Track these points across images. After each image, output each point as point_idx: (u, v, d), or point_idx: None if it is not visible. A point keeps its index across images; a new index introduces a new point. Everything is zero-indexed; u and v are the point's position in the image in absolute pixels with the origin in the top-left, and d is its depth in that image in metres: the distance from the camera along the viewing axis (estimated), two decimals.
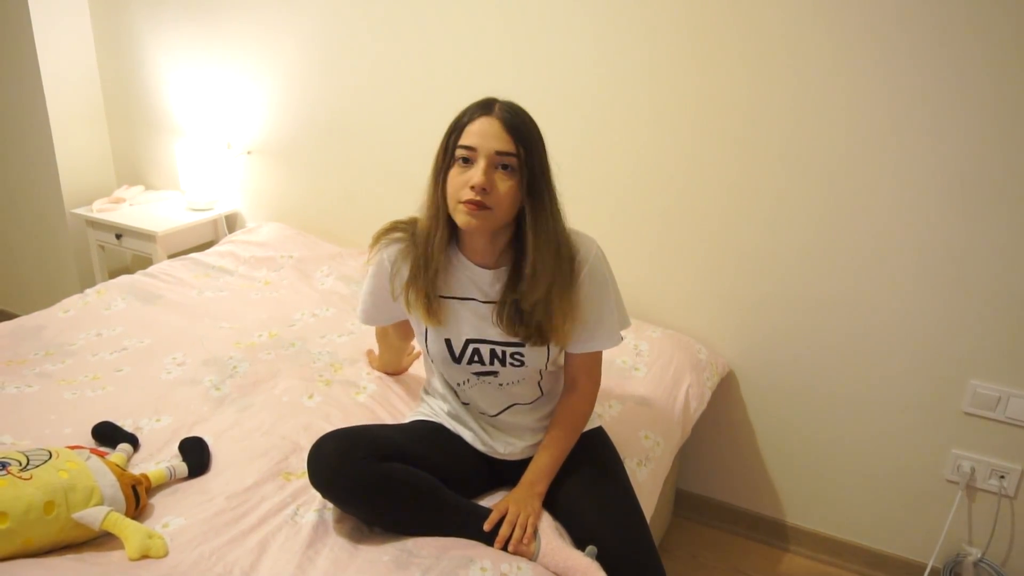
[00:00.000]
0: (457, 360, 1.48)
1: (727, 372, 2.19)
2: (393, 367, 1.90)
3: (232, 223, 2.93)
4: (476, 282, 1.46)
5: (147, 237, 2.69)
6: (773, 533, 2.29)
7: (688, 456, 2.35)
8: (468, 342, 1.46)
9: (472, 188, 1.32)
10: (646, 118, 2.10)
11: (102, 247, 2.90)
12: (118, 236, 2.77)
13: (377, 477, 1.36)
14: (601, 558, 1.40)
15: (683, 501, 2.39)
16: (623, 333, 1.56)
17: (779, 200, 2.00)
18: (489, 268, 1.45)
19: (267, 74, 2.66)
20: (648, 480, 1.71)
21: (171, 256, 2.68)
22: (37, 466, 1.29)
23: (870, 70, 1.82)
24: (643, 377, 1.97)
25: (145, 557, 1.27)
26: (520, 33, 2.19)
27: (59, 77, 2.90)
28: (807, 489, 2.22)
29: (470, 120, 1.35)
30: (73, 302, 2.22)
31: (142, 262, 2.78)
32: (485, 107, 1.35)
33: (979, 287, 1.86)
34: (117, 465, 1.40)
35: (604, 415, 1.79)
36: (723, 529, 2.35)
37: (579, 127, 2.17)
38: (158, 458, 1.55)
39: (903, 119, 1.82)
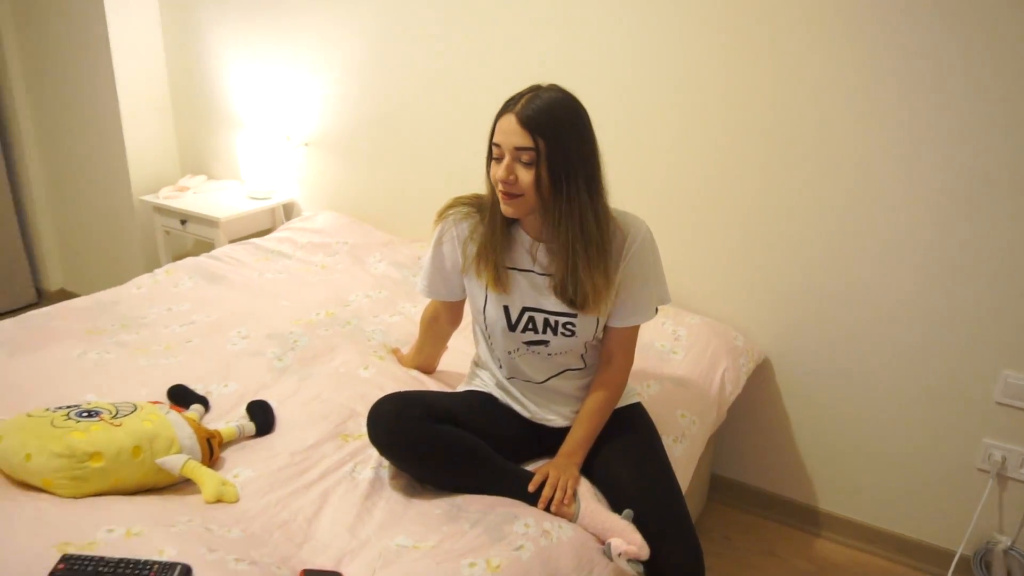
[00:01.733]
0: (512, 328, 1.58)
1: (763, 359, 2.26)
2: (427, 361, 1.93)
3: (289, 211, 3.08)
4: (533, 254, 1.56)
5: (210, 223, 2.84)
6: (806, 519, 2.35)
7: (723, 442, 2.42)
8: (524, 310, 1.56)
9: (498, 181, 1.44)
10: (683, 115, 2.18)
11: (167, 232, 3.07)
12: (183, 222, 2.94)
13: (430, 437, 1.47)
14: (637, 522, 1.49)
15: (718, 485, 2.46)
16: (663, 309, 1.65)
17: (813, 192, 2.07)
18: (541, 241, 1.55)
19: (326, 69, 2.79)
20: (683, 456, 1.80)
21: (232, 241, 2.83)
22: (125, 416, 1.42)
23: (896, 65, 1.88)
24: (680, 360, 2.05)
25: (219, 501, 1.39)
26: (563, 32, 2.29)
27: (130, 73, 3.08)
28: (840, 476, 2.27)
29: (499, 117, 1.47)
30: (144, 280, 2.37)
31: (203, 247, 2.93)
32: (512, 102, 1.45)
33: (1012, 279, 1.90)
34: (193, 420, 1.53)
35: (642, 394, 1.87)
36: (757, 514, 2.42)
37: (619, 122, 2.26)
38: (227, 419, 1.68)
39: (936, 111, 1.88)
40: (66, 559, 1.09)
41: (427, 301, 1.84)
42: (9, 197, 3.44)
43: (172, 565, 1.11)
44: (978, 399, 2.02)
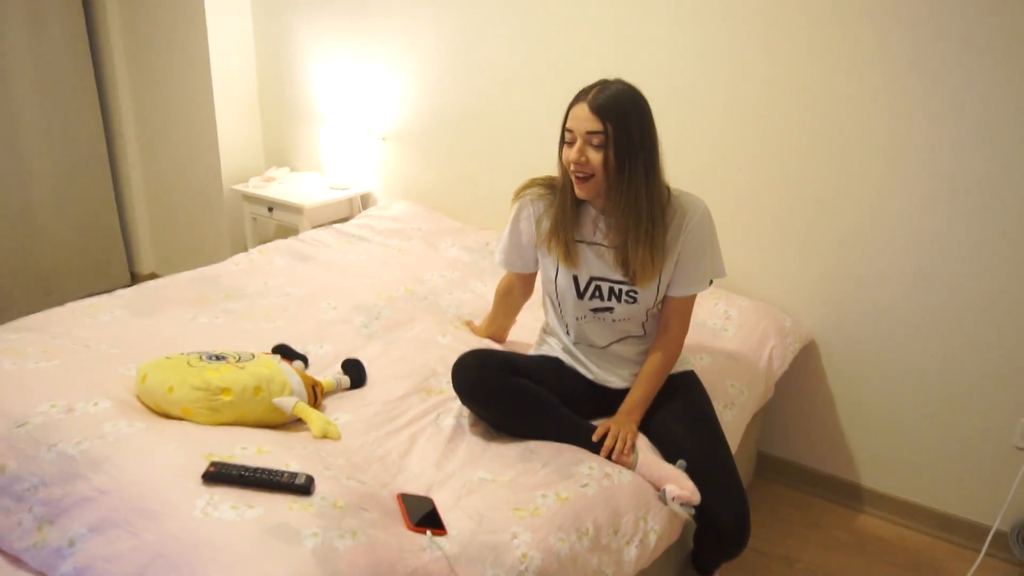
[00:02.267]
0: (581, 295, 1.77)
1: (809, 341, 2.41)
2: (499, 332, 2.13)
3: (366, 202, 3.32)
4: (601, 229, 1.75)
5: (296, 210, 3.09)
6: (849, 495, 2.48)
7: (771, 421, 2.57)
8: (592, 279, 1.76)
9: (571, 163, 1.64)
10: (737, 113, 2.34)
11: (254, 219, 3.34)
12: (270, 209, 3.20)
13: (507, 388, 1.67)
14: (689, 473, 1.66)
15: (765, 463, 2.60)
16: (717, 292, 1.82)
17: (862, 183, 2.21)
18: (605, 216, 1.74)
19: (405, 69, 3.03)
20: (732, 421, 1.96)
21: (314, 227, 3.07)
22: (247, 362, 1.65)
23: (939, 59, 2.02)
24: (731, 337, 2.21)
25: (325, 437, 1.60)
26: (626, 33, 2.47)
27: (224, 73, 3.36)
28: (882, 454, 2.40)
29: (572, 106, 1.66)
30: (240, 259, 2.62)
31: (284, 234, 3.18)
32: (584, 93, 1.65)
33: None
34: (299, 370, 1.75)
35: (696, 364, 2.04)
36: (801, 490, 2.56)
37: (678, 115, 2.43)
38: (324, 374, 1.90)
39: (984, 106, 2.01)
40: (215, 464, 1.31)
41: (501, 276, 2.04)
42: (110, 188, 3.75)
43: (299, 474, 1.33)
44: (1016, 379, 2.14)
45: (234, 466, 1.31)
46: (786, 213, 2.35)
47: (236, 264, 2.57)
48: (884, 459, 2.40)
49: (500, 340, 2.15)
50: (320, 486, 1.34)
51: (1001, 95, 1.98)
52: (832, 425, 2.46)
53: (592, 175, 1.64)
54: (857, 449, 2.44)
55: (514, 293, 2.01)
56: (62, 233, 3.61)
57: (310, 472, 1.36)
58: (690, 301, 1.82)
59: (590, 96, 1.62)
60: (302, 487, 1.31)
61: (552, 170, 1.82)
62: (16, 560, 1.31)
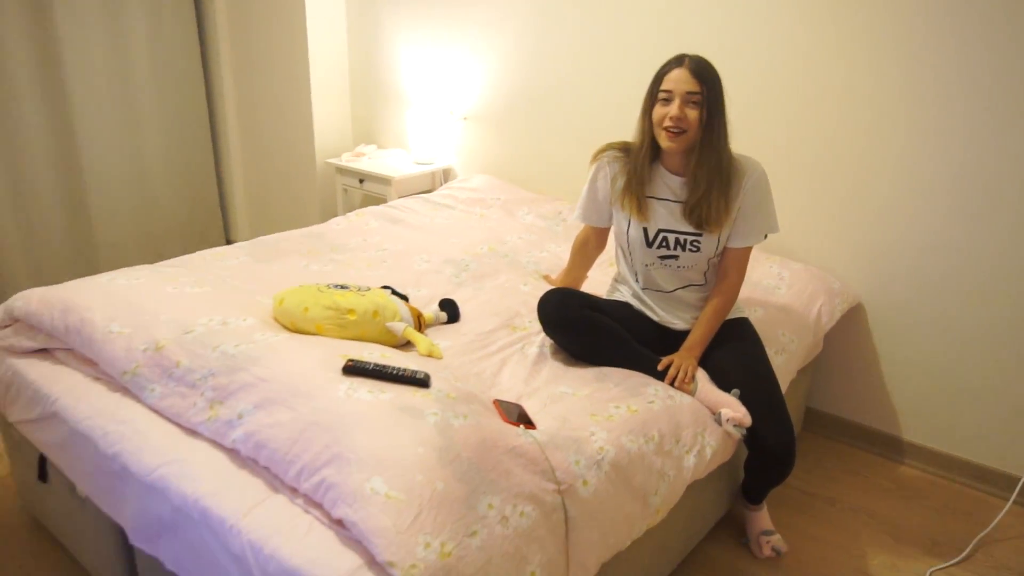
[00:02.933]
0: (649, 244, 2.03)
1: (856, 303, 2.62)
2: (573, 284, 2.35)
3: (447, 175, 3.62)
4: (670, 186, 2.00)
5: (384, 181, 3.41)
6: (890, 447, 2.68)
7: (818, 378, 2.78)
8: (660, 231, 2.01)
9: (671, 119, 1.87)
10: (802, 83, 2.56)
11: (345, 190, 3.66)
12: (361, 180, 3.52)
13: (586, 321, 1.94)
14: (741, 400, 1.91)
15: (811, 417, 2.82)
16: (771, 257, 2.05)
17: (910, 156, 2.41)
18: (681, 176, 1.99)
19: (486, 53, 3.31)
20: (783, 366, 2.19)
21: (400, 197, 3.38)
22: (366, 291, 1.95)
23: (988, 44, 2.21)
24: (784, 294, 2.44)
25: (430, 356, 1.89)
26: (693, 16, 2.71)
27: (320, 56, 3.69)
28: (922, 409, 2.60)
29: (667, 71, 1.91)
30: (340, 220, 2.94)
31: (373, 203, 3.49)
32: (678, 61, 1.90)
33: None
34: (405, 303, 2.05)
35: (750, 315, 2.27)
36: (845, 442, 2.77)
37: (746, 91, 2.66)
38: (424, 310, 2.19)
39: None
40: (352, 360, 1.61)
41: (572, 240, 2.31)
42: (212, 164, 4.13)
43: (419, 371, 1.62)
44: None
45: (367, 363, 1.61)
46: (837, 182, 2.57)
47: (337, 224, 2.89)
48: (924, 414, 2.60)
49: (580, 281, 2.40)
50: (435, 383, 1.63)
51: None
52: (876, 382, 2.67)
53: (685, 130, 1.89)
54: (899, 404, 2.64)
55: (589, 246, 2.27)
56: (170, 203, 4.00)
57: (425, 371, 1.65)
58: (746, 252, 2.06)
59: (686, 62, 1.88)
60: (422, 381, 1.60)
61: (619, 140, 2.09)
62: (192, 432, 1.62)
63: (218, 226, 4.29)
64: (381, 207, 3.09)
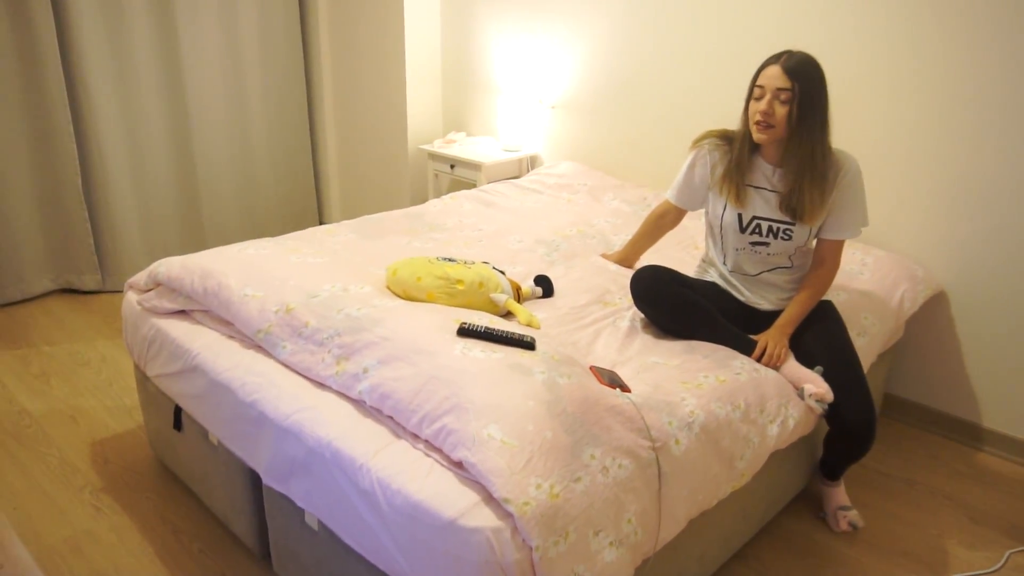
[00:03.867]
0: (743, 230, 2.13)
1: (939, 290, 2.66)
2: (634, 253, 2.51)
3: (533, 162, 3.77)
4: (767, 176, 2.11)
5: (475, 167, 3.58)
6: (969, 434, 2.72)
7: (899, 365, 2.83)
8: (754, 218, 2.11)
9: (760, 113, 1.98)
10: (894, 84, 2.62)
11: (436, 175, 3.85)
12: (452, 166, 3.69)
13: (677, 296, 2.06)
14: (824, 377, 2.01)
15: (890, 403, 2.87)
16: (856, 244, 2.13)
17: (1000, 146, 2.45)
18: (778, 167, 2.09)
19: (574, 44, 3.44)
20: (865, 347, 2.27)
21: (490, 183, 3.54)
22: (471, 264, 2.11)
23: None
24: (867, 279, 2.51)
25: (529, 325, 2.04)
26: (783, 10, 2.78)
27: (415, 46, 3.88)
28: (1003, 396, 2.63)
29: (764, 67, 2.00)
30: (436, 203, 3.12)
31: (461, 189, 3.66)
32: (776, 57, 1.99)
33: None
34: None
35: (834, 299, 2.36)
36: (925, 429, 2.82)
37: (841, 88, 2.72)
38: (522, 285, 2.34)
39: None
40: (465, 323, 1.77)
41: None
42: (309, 148, 4.37)
43: (525, 335, 1.77)
44: None
45: (478, 326, 1.77)
46: (927, 174, 2.61)
47: (434, 206, 3.07)
48: (1004, 401, 2.63)
49: (630, 264, 2.53)
50: (539, 347, 1.78)
51: None
52: (957, 370, 2.71)
53: (773, 125, 1.98)
54: (979, 392, 2.68)
55: (666, 220, 2.41)
56: (270, 186, 4.26)
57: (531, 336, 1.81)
58: (841, 244, 2.14)
59: (782, 59, 1.97)
60: (529, 344, 1.75)
61: (699, 132, 2.22)
62: (320, 385, 1.81)
63: (313, 208, 4.53)
64: (474, 191, 3.25)
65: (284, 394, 1.78)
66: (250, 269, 2.12)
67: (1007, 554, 2.21)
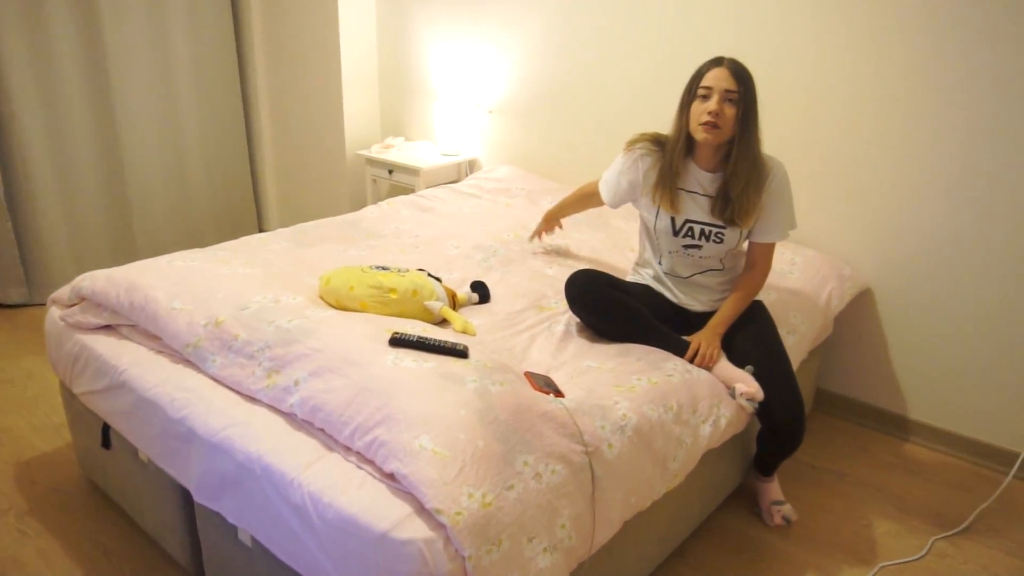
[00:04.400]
0: (676, 234, 2.16)
1: (866, 288, 2.74)
2: (560, 213, 2.64)
3: (472, 167, 3.77)
4: (700, 181, 2.14)
5: (413, 172, 3.56)
6: (896, 426, 2.81)
7: (829, 360, 2.91)
8: (687, 221, 2.15)
9: (709, 114, 2.01)
10: (813, 82, 2.69)
11: (374, 180, 3.82)
12: (390, 171, 3.67)
13: (611, 300, 2.09)
14: (754, 376, 2.05)
15: (822, 397, 2.95)
16: (785, 243, 2.18)
17: (918, 145, 2.53)
18: (710, 172, 2.13)
19: (512, 48, 3.45)
20: (794, 345, 2.33)
21: (428, 188, 3.53)
22: (404, 272, 2.10)
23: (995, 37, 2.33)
24: (796, 279, 2.57)
25: (464, 332, 2.04)
26: (708, 17, 2.84)
27: (351, 51, 3.84)
28: (928, 389, 2.72)
29: (707, 70, 2.03)
30: (373, 209, 3.10)
31: (400, 194, 3.64)
32: (717, 61, 2.03)
33: None
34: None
35: (764, 298, 2.41)
36: (854, 422, 2.90)
37: (763, 84, 2.78)
38: (457, 291, 2.34)
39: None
40: (397, 333, 1.76)
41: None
42: (246, 155, 4.30)
43: (458, 343, 1.77)
44: None
45: (411, 335, 1.77)
46: (847, 173, 2.69)
47: (370, 213, 3.05)
48: (929, 394, 2.73)
49: (555, 219, 2.68)
50: (472, 355, 1.78)
51: None
52: (884, 364, 2.80)
53: (720, 127, 2.01)
54: (905, 385, 2.77)
55: (593, 200, 2.46)
56: (206, 194, 4.17)
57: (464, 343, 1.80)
58: (772, 246, 2.20)
59: (725, 62, 2.02)
60: (461, 352, 1.75)
61: (633, 133, 2.25)
62: (251, 398, 1.78)
63: (251, 216, 4.46)
64: (411, 196, 3.24)
65: (214, 409, 1.75)
66: (178, 281, 2.07)
67: (931, 541, 2.29)
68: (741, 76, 2.00)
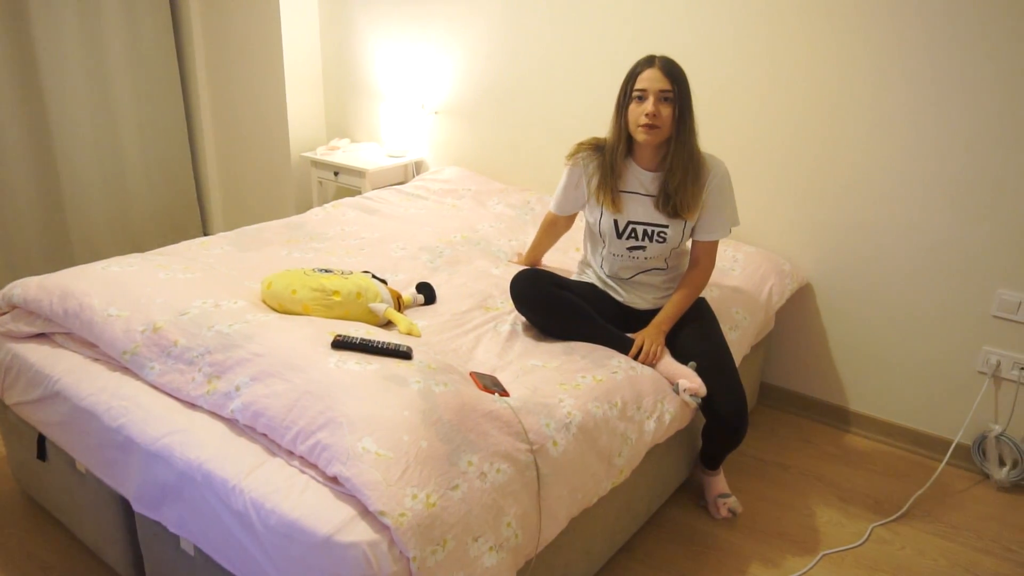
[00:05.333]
0: (620, 236, 2.19)
1: (805, 283, 2.81)
2: (538, 254, 2.58)
3: (419, 168, 3.75)
4: (641, 181, 2.16)
5: (359, 174, 3.54)
6: (837, 417, 2.89)
7: (772, 355, 2.97)
8: (630, 223, 2.17)
9: (647, 116, 2.03)
10: (761, 87, 2.74)
11: (320, 183, 3.78)
12: (336, 173, 3.64)
13: (555, 298, 2.10)
14: (698, 372, 2.08)
15: (765, 391, 3.01)
16: (726, 240, 2.21)
17: (848, 144, 2.60)
18: (651, 171, 2.15)
19: (456, 49, 3.45)
20: (737, 340, 2.37)
21: (374, 189, 3.50)
22: (348, 274, 2.09)
23: (918, 35, 2.41)
24: (737, 275, 2.62)
25: (409, 334, 2.03)
26: (652, 17, 2.88)
27: (293, 51, 3.79)
28: (867, 381, 2.80)
29: (640, 71, 2.06)
30: (318, 211, 3.07)
31: (347, 195, 3.62)
32: (649, 61, 2.05)
33: (1005, 213, 2.41)
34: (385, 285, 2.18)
35: (707, 296, 2.45)
36: (797, 414, 2.97)
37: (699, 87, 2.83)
38: (403, 293, 2.33)
39: (945, 75, 2.40)
40: (340, 335, 1.75)
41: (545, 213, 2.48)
42: (188, 157, 4.21)
43: (402, 344, 1.77)
44: (978, 314, 2.53)
45: (353, 338, 1.76)
46: (787, 170, 2.75)
47: (315, 215, 3.02)
48: (868, 386, 2.81)
49: (537, 262, 2.61)
50: (416, 356, 1.78)
51: (980, 64, 2.37)
52: (824, 357, 2.87)
53: (659, 127, 2.04)
54: (845, 377, 2.85)
55: (558, 227, 2.47)
56: (147, 198, 4.07)
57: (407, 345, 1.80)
58: (715, 244, 2.23)
59: (657, 63, 2.04)
60: (405, 353, 1.74)
61: (580, 135, 2.27)
62: (191, 405, 1.75)
63: (195, 220, 4.37)
64: (357, 198, 3.22)
65: (152, 417, 1.72)
66: (114, 287, 2.03)
67: (870, 527, 2.36)
68: (674, 75, 2.02)
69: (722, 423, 2.13)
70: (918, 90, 2.45)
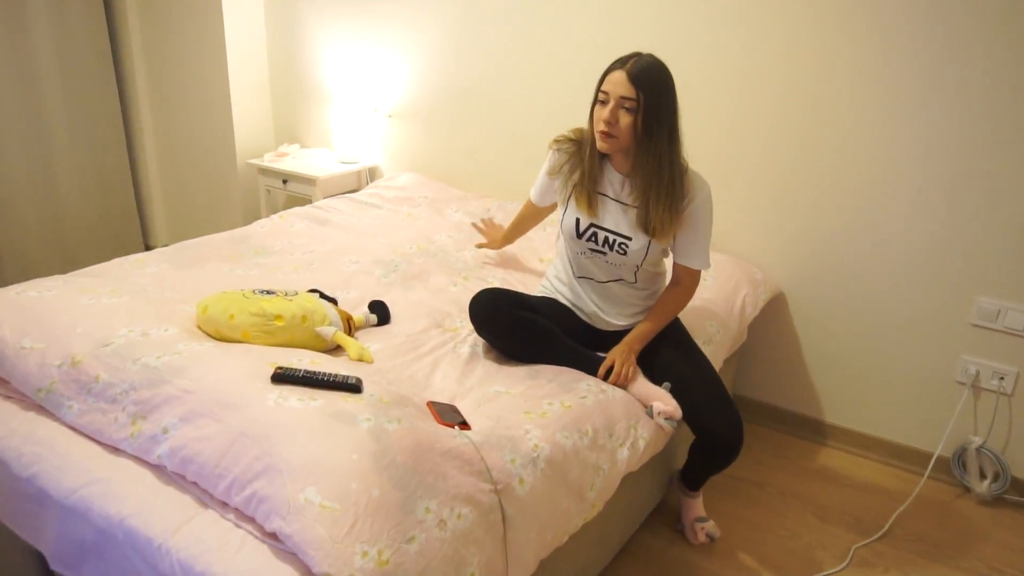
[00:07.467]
0: (579, 236, 2.03)
1: (778, 292, 2.70)
2: (514, 234, 2.55)
3: (373, 174, 3.57)
4: (612, 184, 2.01)
5: (309, 181, 3.35)
6: (813, 430, 2.78)
7: (744, 366, 2.86)
8: (592, 225, 2.01)
9: (604, 121, 1.86)
10: (734, 92, 2.62)
11: (268, 191, 3.58)
12: (284, 181, 3.44)
13: (517, 320, 1.94)
14: (681, 394, 1.93)
15: (740, 404, 2.90)
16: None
17: (830, 150, 2.50)
18: (622, 174, 1.99)
19: (410, 51, 3.28)
20: (711, 355, 2.23)
21: (326, 198, 3.32)
22: (293, 295, 1.91)
23: (896, 40, 2.31)
24: (709, 285, 2.49)
25: (360, 360, 1.86)
26: (614, 18, 2.74)
27: (238, 54, 3.59)
28: (843, 393, 2.70)
29: (609, 71, 1.88)
30: (264, 223, 2.87)
31: (297, 205, 3.42)
32: (622, 62, 1.86)
33: (983, 219, 2.32)
34: (335, 306, 2.01)
35: None
36: (772, 427, 2.86)
37: (685, 92, 2.71)
38: (354, 313, 2.16)
39: (919, 88, 2.31)
40: (280, 368, 1.57)
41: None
42: (127, 166, 3.98)
43: (350, 376, 1.60)
44: (957, 322, 2.44)
45: (296, 370, 1.58)
46: (761, 179, 2.64)
47: (262, 227, 2.83)
48: (844, 398, 2.71)
49: (511, 240, 2.60)
50: (367, 387, 1.61)
51: (960, 71, 2.28)
52: (799, 369, 2.76)
53: (616, 136, 1.86)
54: (821, 390, 2.74)
55: (536, 214, 2.41)
56: (82, 209, 3.83)
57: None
58: (696, 272, 2.06)
59: (628, 65, 1.83)
60: (354, 386, 1.58)
61: (543, 139, 2.13)
62: (114, 450, 1.56)
63: (136, 232, 4.13)
64: (307, 208, 3.03)
65: (69, 465, 1.53)
66: (29, 316, 1.82)
67: (852, 549, 2.25)
68: (642, 81, 1.82)
69: (717, 444, 1.99)
70: (895, 96, 2.36)
